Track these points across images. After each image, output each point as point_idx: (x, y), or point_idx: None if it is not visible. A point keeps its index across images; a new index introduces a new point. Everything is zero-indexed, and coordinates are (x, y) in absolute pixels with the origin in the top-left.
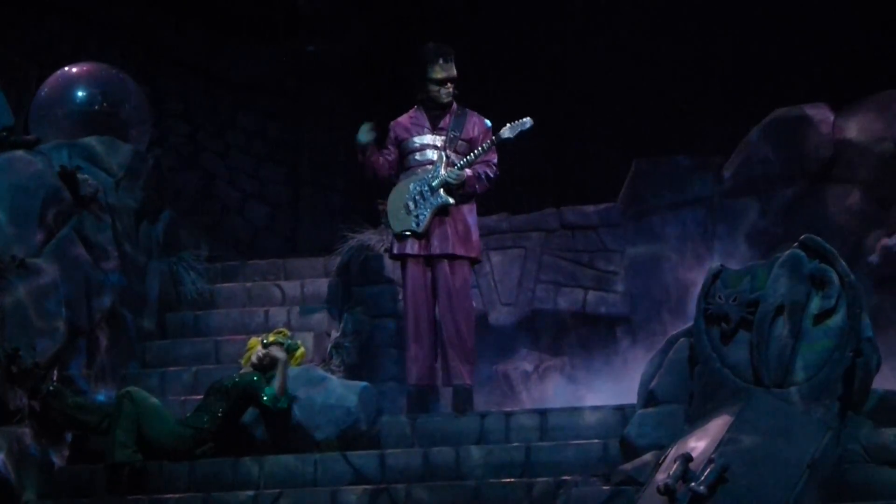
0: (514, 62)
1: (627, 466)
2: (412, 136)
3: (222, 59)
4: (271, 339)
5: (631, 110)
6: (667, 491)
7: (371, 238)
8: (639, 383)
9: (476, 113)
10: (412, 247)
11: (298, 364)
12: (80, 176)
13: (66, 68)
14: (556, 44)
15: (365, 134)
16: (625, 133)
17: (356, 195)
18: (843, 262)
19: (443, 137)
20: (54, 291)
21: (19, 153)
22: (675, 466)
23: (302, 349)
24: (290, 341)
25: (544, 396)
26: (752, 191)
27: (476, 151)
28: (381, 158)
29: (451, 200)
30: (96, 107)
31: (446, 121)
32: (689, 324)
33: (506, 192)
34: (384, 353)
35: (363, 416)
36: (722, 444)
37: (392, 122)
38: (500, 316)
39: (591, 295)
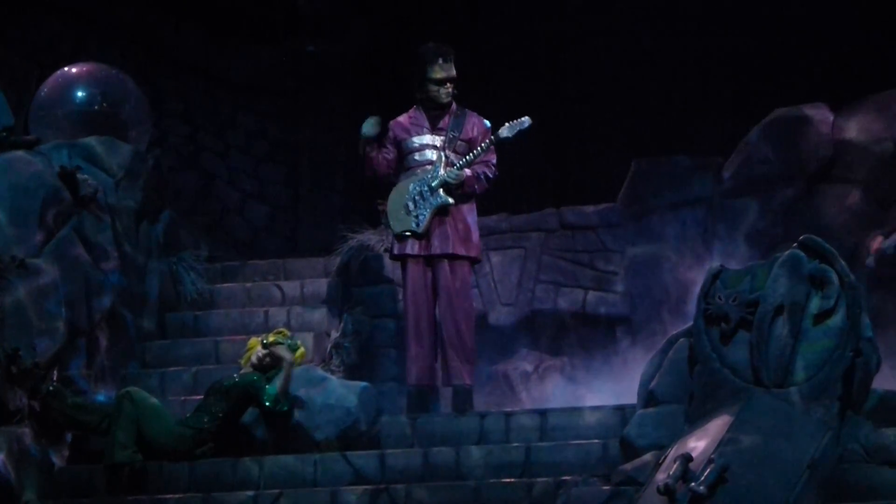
0: (514, 62)
1: (627, 466)
2: (411, 136)
3: (222, 59)
4: (271, 339)
5: (631, 110)
6: (667, 491)
7: (371, 238)
8: (639, 383)
9: (475, 113)
10: (412, 247)
11: (298, 364)
12: (79, 176)
13: (66, 68)
14: (556, 44)
15: (370, 127)
16: (625, 133)
17: (356, 195)
18: (843, 262)
19: (442, 137)
20: (54, 292)
21: (19, 153)
22: (675, 466)
23: (302, 349)
24: (290, 341)
25: (544, 396)
26: (751, 191)
27: (475, 151)
28: (380, 156)
29: (451, 200)
30: (96, 107)
31: (445, 121)
32: (689, 324)
33: (506, 192)
34: (384, 354)
35: (363, 416)
36: (722, 445)
37: (391, 122)
38: (500, 316)
39: (591, 295)
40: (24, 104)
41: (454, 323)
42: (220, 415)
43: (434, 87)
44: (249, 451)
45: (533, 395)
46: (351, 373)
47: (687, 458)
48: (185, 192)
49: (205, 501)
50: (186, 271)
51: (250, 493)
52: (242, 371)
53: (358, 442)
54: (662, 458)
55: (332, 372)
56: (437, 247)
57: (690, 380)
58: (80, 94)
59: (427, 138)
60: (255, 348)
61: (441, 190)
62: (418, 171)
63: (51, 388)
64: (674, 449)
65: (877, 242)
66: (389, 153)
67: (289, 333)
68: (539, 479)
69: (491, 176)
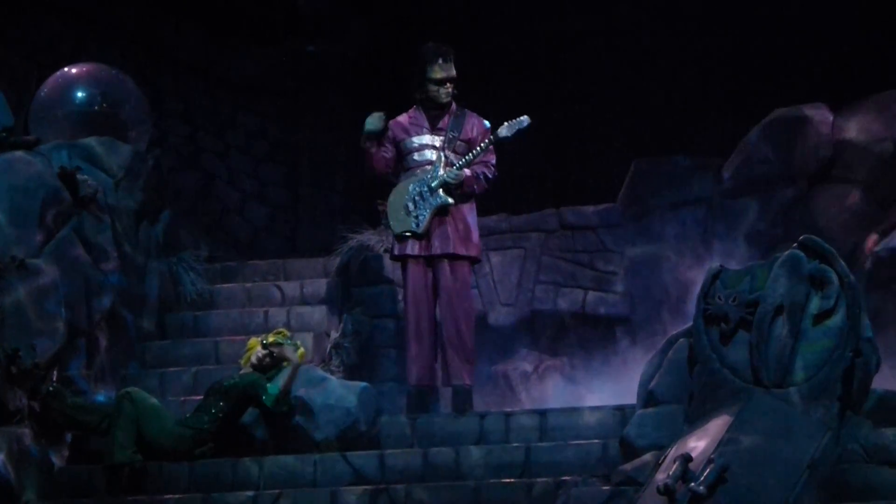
0: (514, 62)
1: (627, 467)
2: (411, 136)
3: (222, 59)
4: (271, 339)
5: (631, 110)
6: (666, 491)
7: (371, 238)
8: (638, 384)
9: (475, 114)
10: (413, 247)
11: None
12: (79, 176)
13: (66, 69)
14: (556, 44)
15: (374, 122)
16: (625, 133)
17: (356, 195)
18: (843, 263)
19: (441, 138)
20: (54, 292)
21: (19, 154)
22: (674, 466)
23: (302, 349)
24: (289, 341)
25: (544, 397)
26: (751, 191)
27: (474, 151)
28: (379, 154)
29: (451, 200)
30: (96, 107)
31: (445, 121)
32: (689, 324)
33: (505, 192)
34: (384, 354)
35: (363, 416)
36: (721, 445)
37: (391, 122)
38: (500, 316)
39: (591, 295)
40: (24, 104)
41: (454, 323)
42: (220, 415)
43: (434, 87)
44: (249, 452)
45: (533, 396)
46: (351, 373)
47: (687, 459)
48: (185, 192)
49: (205, 501)
50: (186, 271)
51: (250, 493)
52: (242, 371)
53: (358, 442)
54: (662, 458)
55: (332, 372)
56: (437, 247)
57: (690, 380)
58: (80, 94)
59: (426, 138)
60: (255, 348)
61: (441, 190)
62: (418, 171)
63: (51, 388)
64: (673, 449)
65: (871, 241)
66: (388, 152)
67: (289, 333)
68: (539, 480)
69: (490, 176)
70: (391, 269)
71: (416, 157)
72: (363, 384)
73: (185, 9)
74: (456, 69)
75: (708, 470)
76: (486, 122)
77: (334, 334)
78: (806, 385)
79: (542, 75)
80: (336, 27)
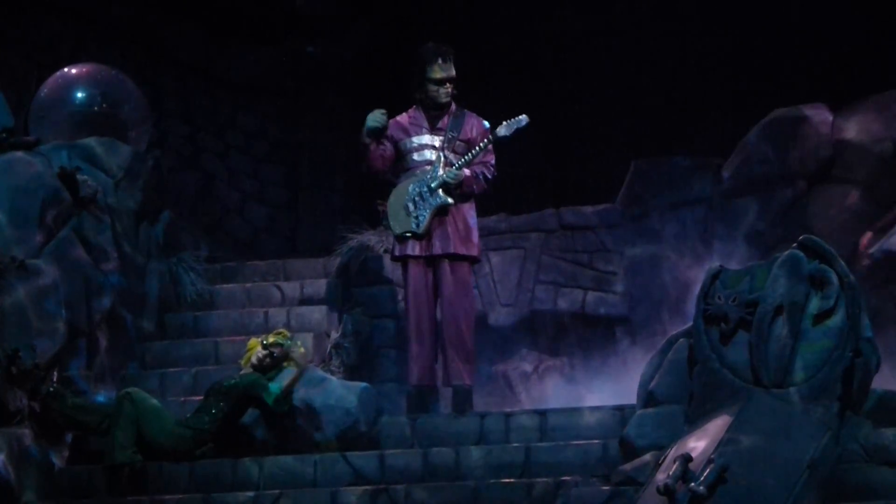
0: (514, 62)
1: (627, 467)
2: (410, 136)
3: (222, 59)
4: (271, 339)
5: (630, 110)
6: (667, 491)
7: (371, 239)
8: (638, 384)
9: (474, 114)
10: (413, 248)
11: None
12: (79, 177)
13: (66, 69)
14: (556, 44)
15: (376, 119)
16: (624, 133)
17: (356, 196)
18: (843, 263)
19: (441, 138)
20: (54, 292)
21: (19, 154)
22: (674, 467)
23: (302, 350)
24: (289, 342)
25: (544, 397)
26: (751, 191)
27: (474, 151)
28: (377, 151)
29: (450, 200)
30: (96, 108)
31: (445, 121)
32: (689, 324)
33: (505, 192)
34: (384, 354)
35: (363, 416)
36: (721, 445)
37: (390, 122)
38: (500, 316)
39: (591, 295)
40: (24, 104)
41: (454, 323)
42: (220, 415)
43: (433, 87)
44: (249, 452)
45: (532, 396)
46: (351, 373)
47: (687, 459)
48: (185, 193)
49: (205, 502)
50: (186, 272)
51: (250, 493)
52: (242, 372)
53: (358, 442)
54: (662, 458)
55: (332, 372)
56: (437, 247)
57: (690, 380)
58: (79, 94)
59: (426, 138)
60: (255, 349)
61: (440, 190)
62: (417, 171)
63: (51, 388)
64: (673, 449)
65: (865, 239)
66: (387, 150)
67: (289, 334)
68: (539, 480)
69: (489, 176)
70: (391, 269)
71: (415, 157)
72: (363, 384)
73: (185, 9)
74: (456, 69)
75: (708, 470)
76: (486, 123)
77: (334, 334)
78: (806, 385)
79: (541, 75)
80: (336, 27)
